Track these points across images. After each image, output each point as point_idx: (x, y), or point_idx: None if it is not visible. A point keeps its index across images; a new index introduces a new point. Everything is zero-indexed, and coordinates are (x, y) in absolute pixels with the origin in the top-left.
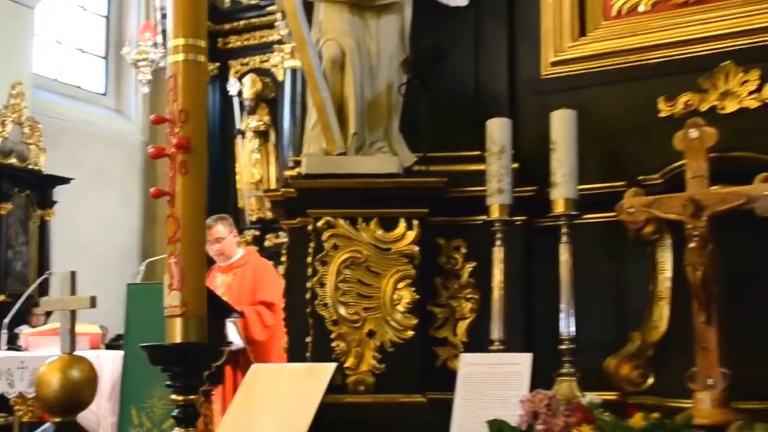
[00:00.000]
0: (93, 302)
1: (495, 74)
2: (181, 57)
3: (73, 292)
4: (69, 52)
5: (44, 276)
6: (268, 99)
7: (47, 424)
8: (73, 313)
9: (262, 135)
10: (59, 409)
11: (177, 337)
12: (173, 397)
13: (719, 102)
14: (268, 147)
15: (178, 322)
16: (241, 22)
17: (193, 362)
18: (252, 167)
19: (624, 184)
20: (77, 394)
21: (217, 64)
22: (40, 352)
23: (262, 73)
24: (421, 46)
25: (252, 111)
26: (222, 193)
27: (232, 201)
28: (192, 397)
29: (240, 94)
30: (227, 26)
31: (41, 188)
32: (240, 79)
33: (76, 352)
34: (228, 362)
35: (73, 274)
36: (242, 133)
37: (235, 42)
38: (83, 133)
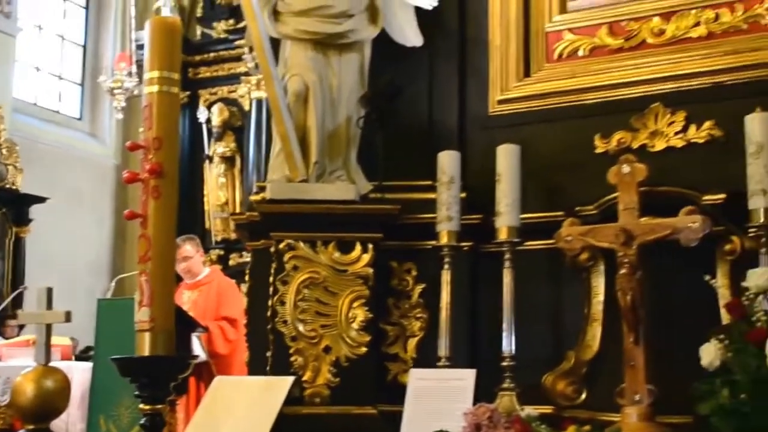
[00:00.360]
0: (68, 317)
1: (446, 110)
2: (155, 88)
3: (49, 307)
4: (47, 78)
5: (18, 290)
6: (235, 127)
7: (21, 431)
8: (48, 326)
9: (228, 160)
10: (33, 417)
11: (146, 351)
12: (141, 406)
13: (649, 140)
14: (233, 172)
15: (147, 336)
16: (211, 55)
17: (160, 374)
18: (218, 190)
19: (562, 214)
20: (51, 402)
21: (188, 92)
22: (13, 363)
23: (229, 102)
24: (379, 83)
25: (219, 138)
26: (190, 213)
27: (200, 221)
28: (159, 406)
29: (208, 121)
30: (198, 58)
31: (18, 206)
32: (209, 107)
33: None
34: (192, 374)
35: (49, 290)
36: (210, 158)
37: (205, 73)
38: (59, 155)
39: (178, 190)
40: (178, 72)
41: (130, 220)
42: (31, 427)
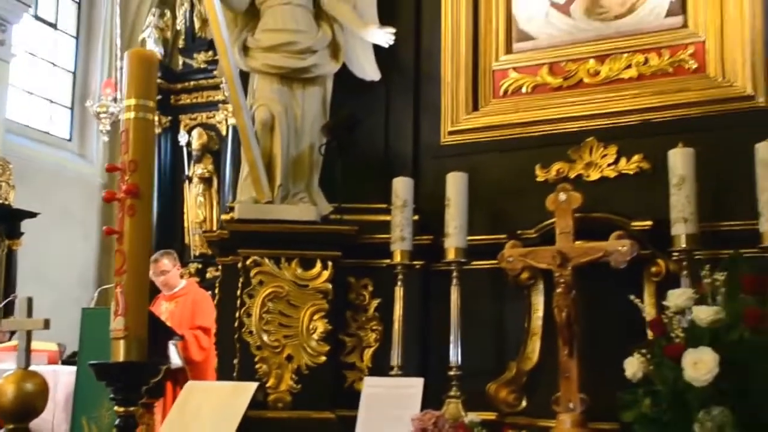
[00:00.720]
0: (47, 324)
1: (401, 140)
2: (132, 115)
3: (29, 315)
4: (39, 101)
5: (9, 298)
6: (213, 150)
7: (2, 430)
8: (29, 333)
9: (206, 181)
10: (13, 416)
11: (120, 357)
12: (116, 408)
13: (584, 171)
14: (211, 192)
15: (122, 343)
16: (192, 83)
17: (133, 379)
18: (197, 209)
19: (505, 236)
20: (30, 403)
21: (170, 117)
22: (2, 366)
23: (208, 127)
24: (340, 114)
25: (198, 160)
26: (171, 230)
27: (180, 237)
28: (132, 408)
29: (188, 144)
30: (179, 86)
31: (10, 221)
32: (189, 132)
33: (37, 366)
34: (169, 379)
35: (29, 300)
36: (189, 179)
37: (185, 99)
38: (49, 174)
39: (152, 208)
40: (153, 100)
41: (109, 235)
42: (11, 426)
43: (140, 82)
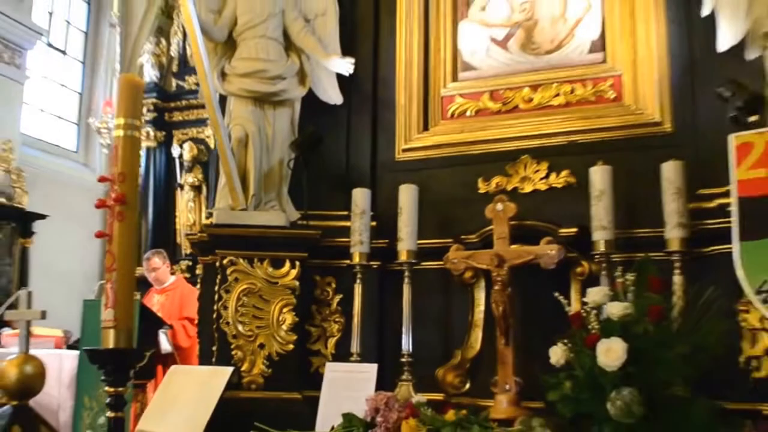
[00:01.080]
0: (43, 315)
1: (360, 156)
2: (121, 132)
3: (29, 306)
4: (50, 118)
5: (21, 290)
6: (202, 161)
7: (6, 406)
8: (28, 322)
9: (196, 189)
10: (15, 395)
11: (110, 344)
12: (106, 388)
13: (520, 184)
14: (200, 198)
15: (111, 332)
16: (183, 102)
17: (121, 363)
18: (188, 213)
19: (451, 240)
20: (30, 384)
21: (164, 132)
22: (13, 350)
23: (198, 141)
24: (306, 132)
25: (189, 170)
26: (164, 231)
27: (172, 238)
28: (120, 389)
29: (180, 156)
30: (172, 104)
31: (23, 222)
32: (181, 145)
33: (45, 350)
34: (159, 362)
35: (29, 293)
36: (181, 186)
37: (178, 116)
38: (58, 181)
39: (147, 213)
40: (140, 119)
41: (100, 238)
42: (14, 403)
43: (128, 104)
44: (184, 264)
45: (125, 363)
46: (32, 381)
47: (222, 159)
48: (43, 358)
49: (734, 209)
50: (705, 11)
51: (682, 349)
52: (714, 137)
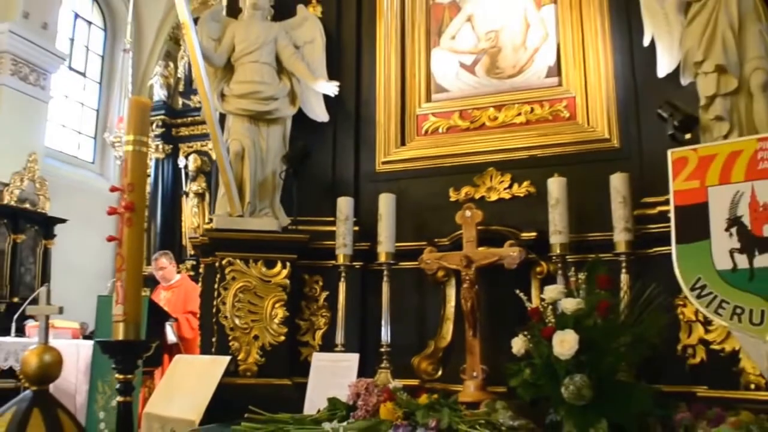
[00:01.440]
0: (61, 310)
1: (345, 168)
2: (131, 147)
3: (48, 302)
4: (70, 133)
5: (42, 287)
6: (205, 171)
7: (27, 391)
8: (47, 317)
9: (200, 196)
10: (36, 381)
11: (120, 336)
12: (116, 376)
13: (486, 193)
14: (204, 204)
15: (121, 326)
16: (189, 118)
17: (130, 354)
18: (192, 218)
19: (425, 243)
20: (49, 371)
21: (171, 146)
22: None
23: (201, 153)
24: (296, 147)
25: (194, 179)
26: (171, 234)
27: (178, 240)
28: (129, 376)
29: (186, 167)
30: (179, 120)
31: (46, 225)
32: (186, 157)
33: (63, 340)
34: (166, 352)
35: (48, 290)
36: (187, 194)
37: (184, 131)
38: (77, 189)
39: (156, 219)
40: (147, 136)
41: (111, 241)
42: (34, 388)
43: (137, 123)
44: (189, 263)
45: (133, 353)
46: (51, 369)
47: (221, 171)
48: (62, 347)
49: (672, 216)
50: (646, 41)
51: (627, 339)
52: (655, 152)
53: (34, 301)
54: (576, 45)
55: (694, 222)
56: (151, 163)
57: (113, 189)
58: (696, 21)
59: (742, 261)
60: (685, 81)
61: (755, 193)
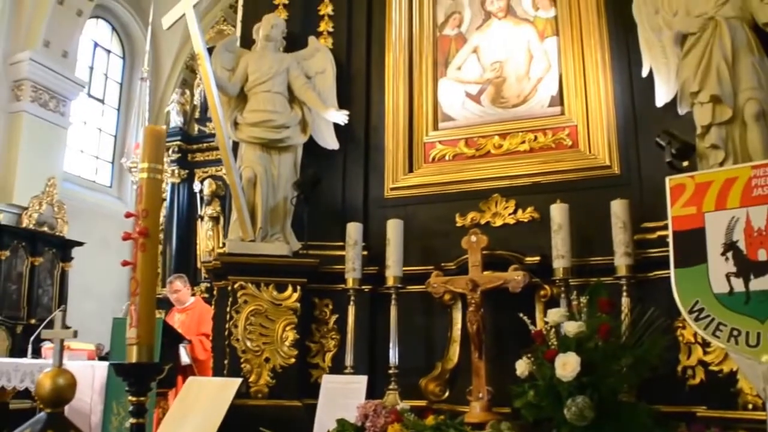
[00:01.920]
0: (75, 334)
1: (354, 194)
2: (146, 175)
3: (63, 325)
4: (88, 158)
5: (59, 309)
6: (220, 195)
7: (42, 414)
8: (62, 340)
9: (214, 220)
10: (50, 403)
11: (133, 359)
12: (129, 398)
13: (492, 219)
14: (218, 228)
15: (134, 348)
16: (204, 144)
17: (142, 376)
18: (207, 241)
19: (432, 267)
20: (62, 394)
21: (187, 171)
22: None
23: (216, 178)
24: (307, 174)
25: (209, 203)
26: (186, 257)
27: (193, 262)
28: (142, 398)
29: (201, 191)
30: (195, 146)
31: (63, 248)
32: (202, 181)
33: (79, 361)
34: (179, 373)
35: (64, 312)
36: (202, 217)
37: (199, 157)
38: (94, 213)
39: (171, 243)
40: (162, 163)
41: (125, 266)
42: (48, 410)
43: (152, 151)
44: (203, 286)
45: (146, 376)
46: (64, 391)
47: (233, 197)
48: (77, 368)
49: (670, 241)
50: (644, 72)
51: (627, 361)
52: (654, 179)
53: (51, 324)
54: (578, 75)
55: (691, 247)
56: (167, 188)
57: (128, 215)
58: (692, 53)
59: (738, 284)
60: (682, 110)
61: (750, 218)
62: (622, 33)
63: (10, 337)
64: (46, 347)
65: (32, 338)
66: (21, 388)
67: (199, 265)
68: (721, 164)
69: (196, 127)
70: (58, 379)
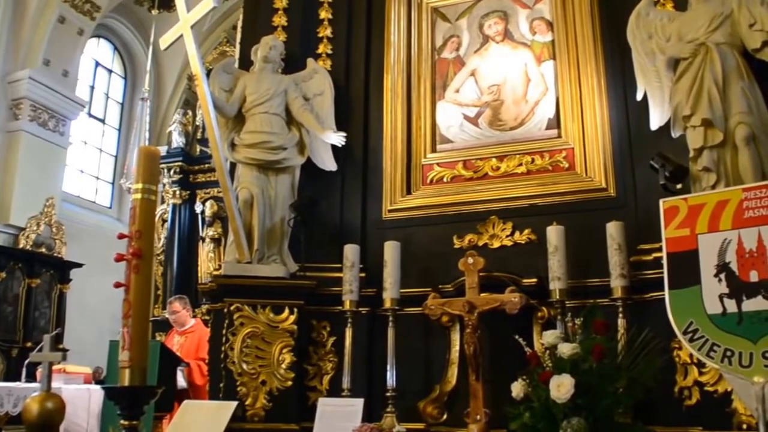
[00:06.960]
0: (64, 357)
1: (352, 215)
2: (140, 195)
3: (53, 348)
4: (88, 178)
5: (55, 332)
6: (221, 217)
7: None
8: (50, 363)
9: (216, 241)
10: (37, 429)
11: (126, 382)
12: (122, 422)
13: (489, 240)
14: (220, 249)
15: (127, 371)
16: (206, 165)
17: (134, 400)
18: (208, 262)
19: (429, 289)
20: (50, 419)
21: (188, 192)
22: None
23: (218, 199)
24: (304, 195)
25: (210, 224)
26: (187, 278)
27: (194, 284)
28: (135, 422)
29: (203, 212)
30: (196, 167)
31: (61, 270)
32: (203, 202)
33: (75, 385)
34: (176, 398)
35: (53, 337)
36: (203, 239)
37: (201, 178)
38: (93, 233)
39: (165, 263)
40: (156, 184)
41: (118, 288)
42: None
43: (147, 171)
44: (204, 308)
45: (139, 399)
46: (52, 416)
47: (230, 218)
48: (73, 392)
49: (664, 262)
50: (639, 96)
51: (623, 382)
52: (649, 201)
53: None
54: (574, 99)
55: (685, 268)
56: (169, 209)
57: (121, 236)
58: (684, 78)
59: (731, 305)
60: (675, 134)
61: (742, 240)
62: (618, 57)
63: (5, 360)
64: (40, 370)
65: (27, 362)
66: (14, 413)
67: (199, 286)
68: (713, 187)
69: (198, 147)
70: (46, 404)
